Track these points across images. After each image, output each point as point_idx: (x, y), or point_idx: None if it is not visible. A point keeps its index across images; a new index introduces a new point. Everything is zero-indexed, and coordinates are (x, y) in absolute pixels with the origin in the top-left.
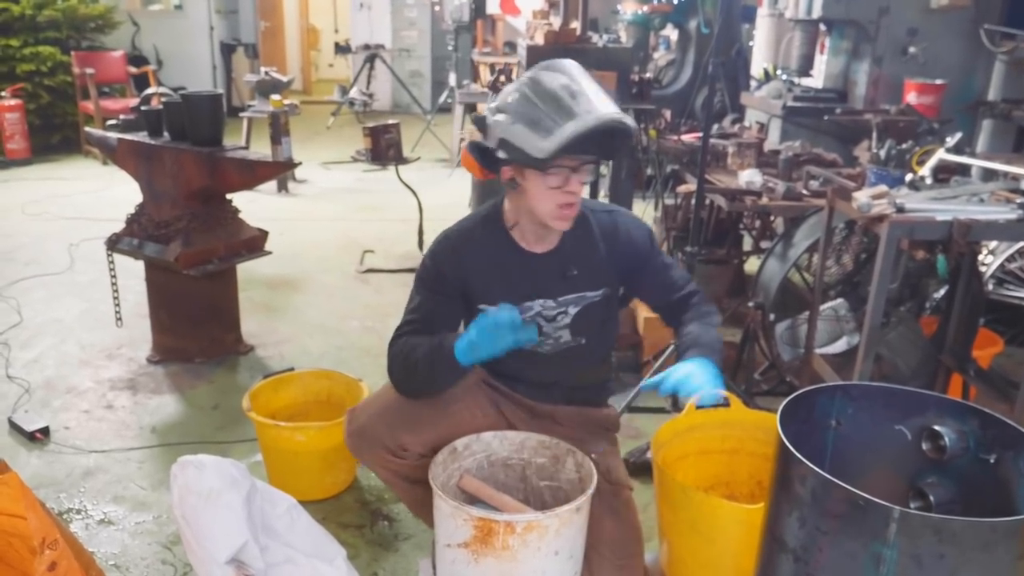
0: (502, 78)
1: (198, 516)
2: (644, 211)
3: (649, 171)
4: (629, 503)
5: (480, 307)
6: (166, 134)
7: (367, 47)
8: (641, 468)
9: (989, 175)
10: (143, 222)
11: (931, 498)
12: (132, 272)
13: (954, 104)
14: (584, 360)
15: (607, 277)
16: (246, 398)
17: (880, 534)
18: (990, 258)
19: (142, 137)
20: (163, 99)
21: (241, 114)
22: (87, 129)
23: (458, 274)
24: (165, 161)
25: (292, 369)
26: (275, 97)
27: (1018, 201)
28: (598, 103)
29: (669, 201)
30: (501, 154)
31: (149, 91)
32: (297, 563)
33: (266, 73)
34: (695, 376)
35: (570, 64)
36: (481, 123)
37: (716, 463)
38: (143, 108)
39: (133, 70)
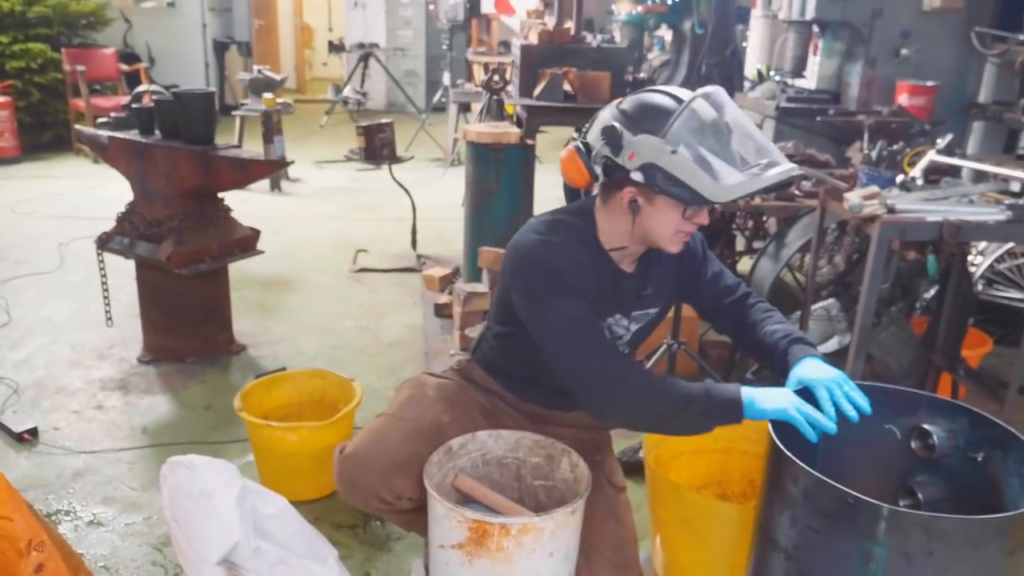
0: (495, 77)
1: (189, 517)
2: None
3: None
4: (627, 505)
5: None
6: (158, 132)
7: (361, 46)
8: (633, 467)
9: (980, 176)
10: (135, 221)
11: (920, 496)
12: (123, 271)
13: (946, 106)
14: None
15: (670, 293)
16: (237, 398)
17: (870, 532)
18: (980, 259)
19: (134, 135)
20: (155, 97)
21: (234, 112)
22: (78, 127)
23: (573, 281)
24: (157, 159)
25: (284, 369)
26: (268, 95)
27: (1007, 202)
28: (774, 152)
29: None
30: (638, 176)
31: (141, 89)
32: (289, 564)
33: (259, 71)
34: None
35: (727, 98)
36: (615, 137)
37: (709, 462)
38: (135, 106)
39: (125, 67)
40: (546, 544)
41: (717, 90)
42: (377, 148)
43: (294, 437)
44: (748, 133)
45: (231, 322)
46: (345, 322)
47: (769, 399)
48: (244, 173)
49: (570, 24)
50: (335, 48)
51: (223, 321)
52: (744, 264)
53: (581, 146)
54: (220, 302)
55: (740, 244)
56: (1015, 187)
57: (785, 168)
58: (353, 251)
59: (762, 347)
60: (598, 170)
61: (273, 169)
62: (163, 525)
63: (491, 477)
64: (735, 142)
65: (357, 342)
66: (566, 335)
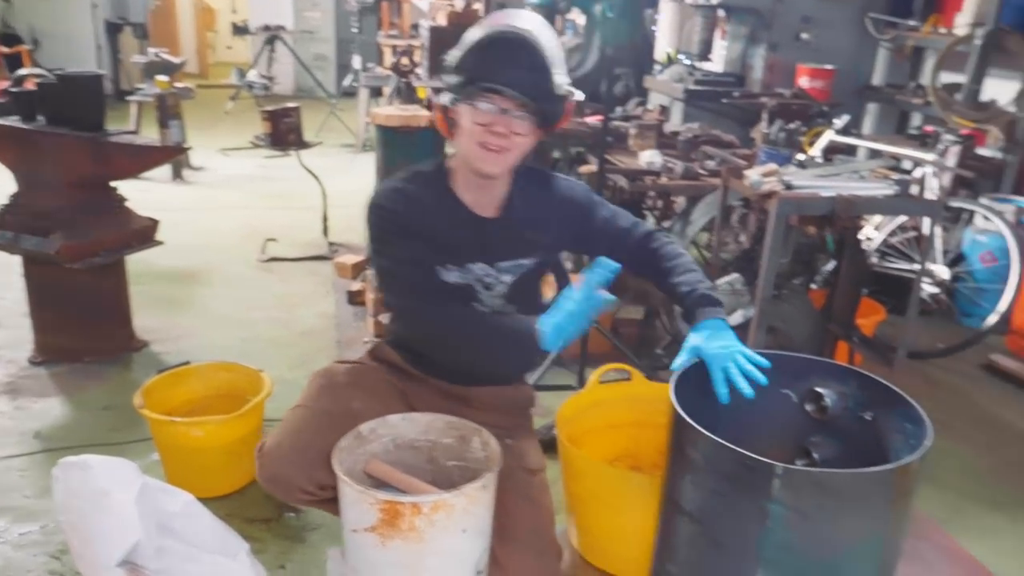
0: (404, 60)
1: (85, 519)
2: None
3: (556, 154)
4: (543, 487)
5: (436, 267)
6: (41, 118)
7: (267, 28)
8: (548, 445)
9: (874, 155)
10: (19, 213)
11: (816, 456)
12: (8, 267)
13: (843, 88)
14: None
15: (545, 242)
16: (138, 395)
17: (767, 491)
18: (875, 233)
19: (14, 122)
20: (38, 81)
21: (129, 98)
22: None
23: (417, 227)
24: (42, 147)
25: (188, 363)
26: (161, 78)
27: (895, 178)
28: (517, 22)
29: None
30: (445, 91)
31: (22, 72)
32: (197, 560)
33: (156, 54)
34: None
35: (525, 11)
36: (441, 68)
37: (622, 436)
38: (14, 90)
39: (4, 49)
40: (459, 521)
41: (527, 11)
42: (283, 133)
43: (200, 432)
44: (505, 16)
45: (131, 318)
46: (255, 313)
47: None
48: (139, 160)
49: (479, 5)
50: (239, 31)
51: (122, 317)
52: None
53: (438, 97)
54: (118, 297)
55: (650, 224)
56: (906, 164)
57: (512, 23)
58: (262, 240)
59: (673, 297)
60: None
61: (170, 155)
62: (61, 532)
63: (404, 461)
64: (487, 24)
65: (268, 333)
66: (391, 276)
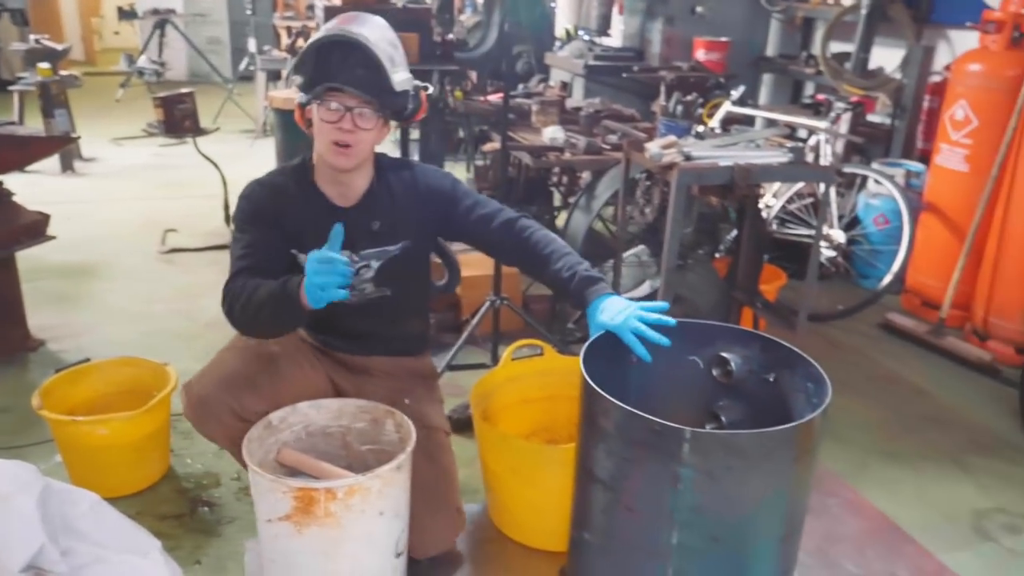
0: (300, 41)
1: None
2: (455, 172)
3: (460, 133)
4: (443, 446)
5: (292, 251)
6: None
7: (156, 12)
8: (464, 424)
9: (771, 125)
10: None
11: (723, 419)
12: None
13: (739, 60)
14: (395, 311)
15: (410, 230)
16: (36, 396)
17: (676, 455)
18: (773, 201)
19: None
20: None
21: (10, 88)
22: None
23: (273, 216)
24: None
25: (88, 360)
26: (43, 65)
27: (788, 146)
28: (351, 27)
29: (479, 162)
30: (298, 95)
31: None
32: (107, 561)
33: (37, 41)
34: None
35: (367, 14)
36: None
37: (536, 411)
38: None
39: None
40: (375, 503)
41: (367, 13)
42: (178, 120)
43: (104, 430)
44: (344, 20)
45: (24, 316)
46: (157, 306)
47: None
48: (23, 152)
49: None
50: (126, 15)
51: (15, 316)
52: (562, 219)
53: (299, 97)
54: (10, 295)
55: (557, 200)
56: (801, 133)
57: (342, 28)
58: (161, 231)
59: (554, 285)
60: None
61: (57, 146)
62: None
63: (316, 448)
64: (326, 29)
65: (172, 326)
66: (231, 258)
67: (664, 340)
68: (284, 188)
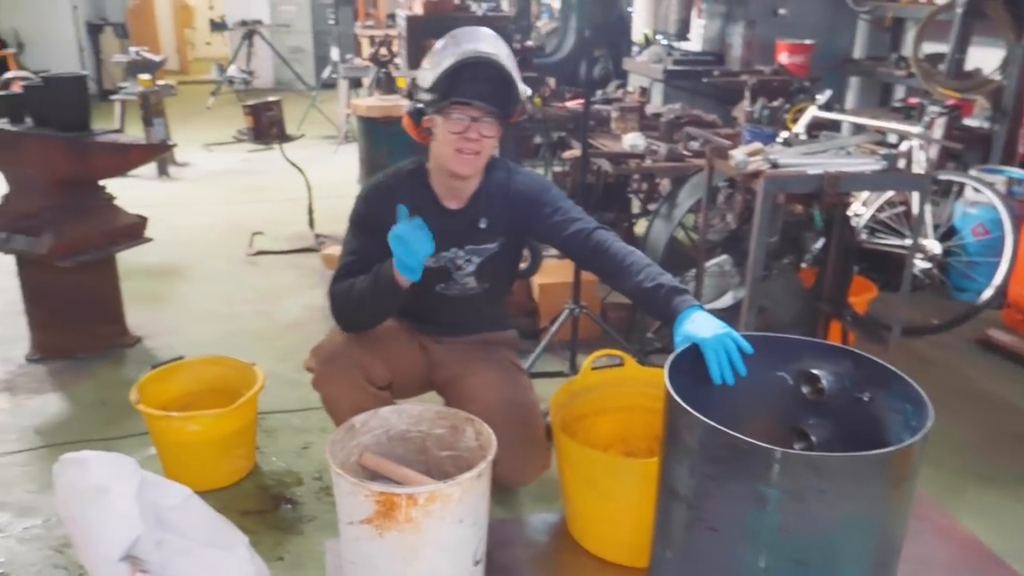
0: (382, 50)
1: (85, 515)
2: None
3: (537, 139)
4: (528, 384)
5: None
6: (29, 120)
7: (244, 23)
8: None
9: (859, 130)
10: (9, 214)
11: (813, 438)
12: (3, 267)
13: (823, 63)
14: (486, 302)
15: (505, 229)
16: (134, 390)
17: (763, 475)
18: (863, 209)
19: (2, 124)
20: (24, 83)
21: (112, 97)
22: None
23: (386, 219)
24: (29, 149)
25: (181, 358)
26: (144, 76)
27: (882, 152)
28: (480, 46)
29: (558, 168)
30: (418, 104)
31: (8, 75)
32: (195, 554)
33: (136, 53)
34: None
35: (480, 27)
36: (413, 84)
37: (614, 421)
38: (2, 94)
39: None
40: (455, 511)
41: (477, 27)
42: (265, 127)
43: (195, 427)
44: (468, 39)
45: (122, 314)
46: (241, 307)
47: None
48: (123, 159)
49: None
50: (217, 26)
51: (113, 313)
52: (641, 226)
53: (408, 107)
54: (109, 294)
55: (636, 207)
56: (891, 138)
57: (479, 48)
58: (246, 235)
59: (636, 295)
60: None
61: (154, 153)
62: (62, 526)
63: (396, 452)
64: (460, 46)
65: (255, 326)
66: (340, 257)
67: (742, 368)
68: (397, 189)
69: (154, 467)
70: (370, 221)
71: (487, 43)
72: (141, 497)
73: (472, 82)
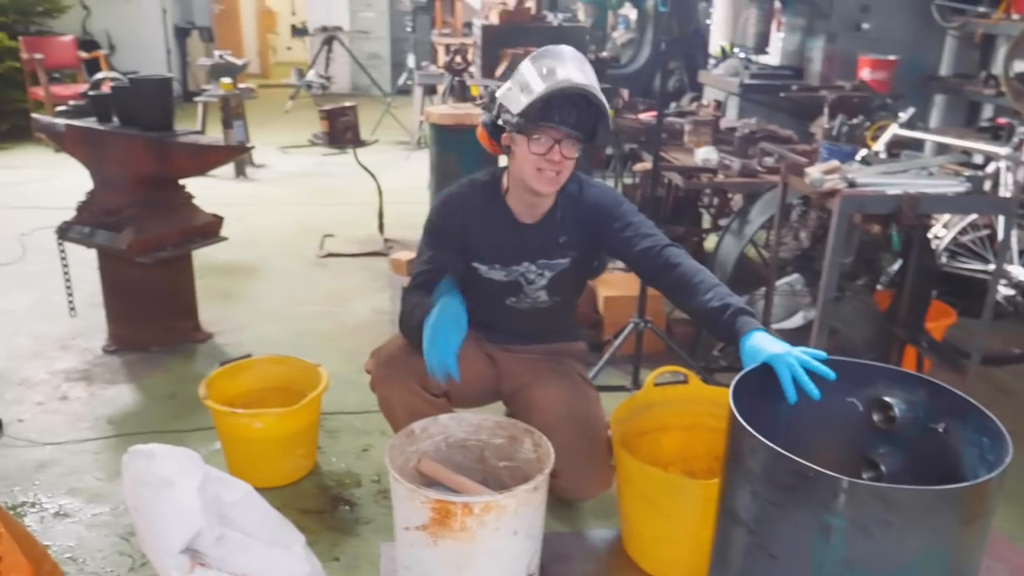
0: (458, 58)
1: (150, 506)
2: None
3: (608, 150)
4: (595, 397)
5: (473, 264)
6: (115, 120)
7: (324, 29)
8: None
9: (942, 149)
10: (94, 210)
11: (882, 468)
12: (84, 261)
13: (906, 79)
14: (558, 314)
15: (576, 244)
16: (202, 386)
17: (829, 505)
18: (943, 231)
19: (91, 123)
20: (112, 84)
21: (196, 99)
22: (34, 116)
23: (459, 231)
24: (114, 147)
25: (249, 356)
26: (225, 80)
27: (966, 174)
28: (574, 75)
29: (628, 180)
30: (500, 120)
31: (99, 76)
32: (253, 550)
33: (220, 57)
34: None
35: (566, 48)
36: (491, 97)
37: (675, 439)
38: (92, 94)
39: (84, 55)
40: (509, 522)
41: (560, 46)
42: (340, 132)
43: (259, 424)
44: (560, 65)
45: (196, 310)
46: (309, 308)
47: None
48: (203, 159)
49: (531, 3)
50: (298, 32)
51: (187, 309)
52: (711, 241)
53: (485, 121)
54: (184, 290)
55: (706, 222)
56: (976, 159)
57: (576, 79)
58: (318, 236)
59: (701, 314)
60: (488, 130)
61: (233, 155)
62: (128, 515)
63: (454, 460)
64: (554, 74)
65: (322, 327)
66: (415, 265)
67: (815, 392)
68: (472, 201)
69: (218, 462)
70: (443, 232)
71: (580, 72)
72: (204, 492)
73: (561, 109)
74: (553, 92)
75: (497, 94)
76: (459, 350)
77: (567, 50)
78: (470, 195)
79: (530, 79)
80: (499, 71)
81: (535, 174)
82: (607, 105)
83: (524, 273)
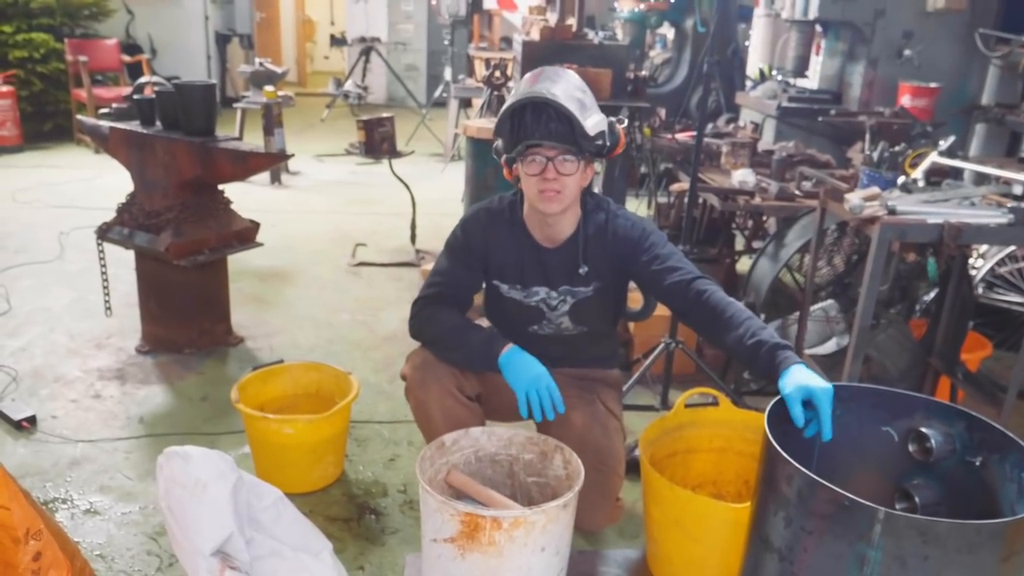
0: (497, 73)
1: (184, 507)
2: (637, 209)
3: (643, 169)
4: (619, 430)
5: (494, 282)
6: (159, 123)
7: (363, 40)
8: (629, 466)
9: (982, 179)
10: (134, 212)
11: (917, 499)
12: (122, 262)
13: (948, 107)
14: (586, 342)
15: (602, 274)
16: (234, 390)
17: (865, 535)
18: (980, 262)
19: (134, 126)
20: (156, 88)
21: (235, 105)
22: (79, 117)
23: (482, 249)
24: (157, 151)
25: (281, 361)
26: (269, 88)
27: (1009, 205)
28: (537, 87)
29: (662, 199)
30: (502, 157)
31: (142, 80)
32: (283, 556)
33: (260, 64)
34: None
35: (550, 68)
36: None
37: (704, 462)
38: (136, 97)
39: (127, 59)
40: (537, 538)
41: (553, 68)
42: (377, 142)
43: (290, 430)
44: (526, 82)
45: (229, 314)
46: (342, 315)
47: (522, 370)
48: (243, 165)
49: (572, 21)
50: (337, 42)
51: (221, 313)
52: (744, 263)
53: (497, 150)
54: (218, 294)
55: (740, 243)
56: (1017, 190)
57: (534, 90)
58: (351, 245)
59: (735, 350)
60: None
61: (273, 162)
62: (158, 515)
63: (483, 473)
64: (518, 91)
65: (353, 335)
66: (430, 275)
67: (828, 434)
68: (497, 220)
69: (247, 465)
70: (464, 249)
71: (547, 82)
72: (237, 495)
73: (537, 123)
74: (514, 106)
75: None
76: None
77: (548, 68)
78: (496, 213)
79: (506, 103)
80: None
81: (538, 196)
82: (575, 110)
83: (545, 299)
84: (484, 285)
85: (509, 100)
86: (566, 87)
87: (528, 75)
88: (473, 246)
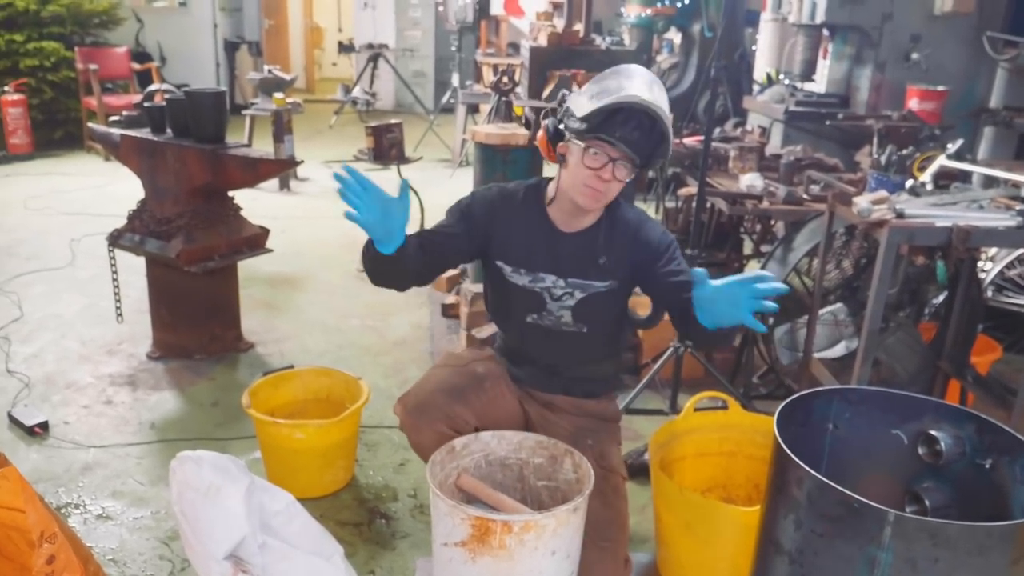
0: (504, 79)
1: (196, 512)
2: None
3: (651, 174)
4: (618, 489)
5: (497, 263)
6: (169, 131)
7: (371, 46)
8: (639, 470)
9: (990, 182)
10: (145, 218)
11: (927, 502)
12: (133, 268)
13: (956, 111)
14: (587, 349)
15: (618, 271)
16: (245, 395)
17: (875, 537)
18: (990, 265)
19: (145, 133)
20: (167, 96)
21: (244, 112)
22: (91, 125)
23: (487, 222)
24: (167, 158)
25: (292, 367)
26: (278, 95)
27: (1017, 208)
28: (644, 94)
29: (670, 204)
30: (562, 125)
31: (152, 88)
32: (294, 560)
33: (269, 71)
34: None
35: (643, 69)
36: (560, 101)
37: (713, 465)
38: (146, 104)
39: (137, 66)
40: (548, 542)
41: (636, 66)
42: (386, 148)
43: (300, 435)
44: (637, 82)
45: (239, 320)
46: (351, 321)
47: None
48: (253, 172)
49: (579, 26)
50: (345, 48)
51: (231, 319)
52: (752, 267)
53: (548, 124)
54: (228, 300)
55: (748, 248)
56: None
57: (646, 97)
58: (359, 250)
59: (686, 321)
60: (549, 135)
61: (283, 168)
62: (170, 520)
63: (494, 477)
64: (625, 90)
65: (363, 341)
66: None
67: (772, 306)
68: (512, 198)
69: (257, 470)
70: (468, 214)
71: (653, 93)
72: (249, 500)
73: (625, 125)
74: (621, 104)
75: (568, 98)
76: (489, 384)
77: (642, 70)
78: (512, 193)
79: (602, 89)
80: (546, 92)
81: (581, 188)
82: (670, 131)
83: (550, 288)
84: (485, 270)
85: (615, 95)
86: (664, 101)
87: (625, 70)
88: (478, 215)
